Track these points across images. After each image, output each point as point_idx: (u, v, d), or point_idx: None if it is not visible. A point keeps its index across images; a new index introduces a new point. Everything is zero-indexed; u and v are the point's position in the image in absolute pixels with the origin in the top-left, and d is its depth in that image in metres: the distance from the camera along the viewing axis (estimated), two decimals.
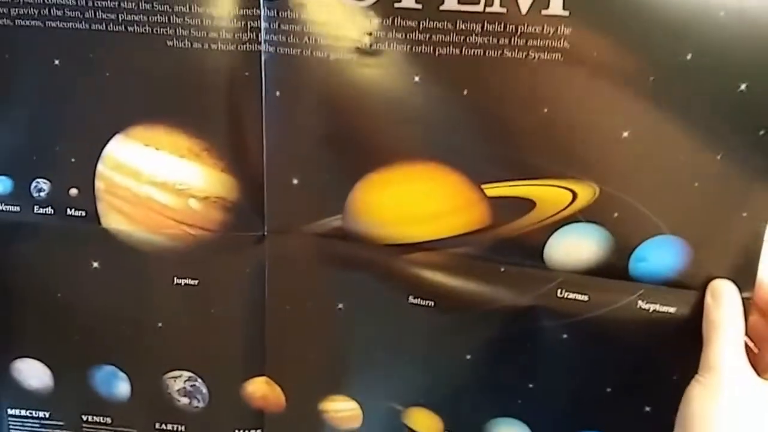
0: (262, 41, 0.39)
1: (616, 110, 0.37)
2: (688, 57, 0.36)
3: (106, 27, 0.40)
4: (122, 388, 0.49)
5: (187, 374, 0.49)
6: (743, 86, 0.36)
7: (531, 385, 0.45)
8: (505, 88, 0.38)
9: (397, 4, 0.37)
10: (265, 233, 0.44)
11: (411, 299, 0.44)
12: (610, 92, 0.37)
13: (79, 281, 0.46)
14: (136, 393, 0.49)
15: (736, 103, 0.36)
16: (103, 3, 0.39)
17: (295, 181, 0.42)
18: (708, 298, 0.39)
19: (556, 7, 0.36)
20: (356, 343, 0.47)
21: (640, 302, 0.41)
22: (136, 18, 0.39)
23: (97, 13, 0.39)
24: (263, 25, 0.39)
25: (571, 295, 0.41)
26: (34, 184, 0.43)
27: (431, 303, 0.44)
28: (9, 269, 0.46)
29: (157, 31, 0.39)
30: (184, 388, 0.49)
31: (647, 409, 0.43)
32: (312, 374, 0.48)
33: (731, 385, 0.37)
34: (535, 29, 0.36)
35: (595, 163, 0.38)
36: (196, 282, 0.46)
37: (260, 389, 0.49)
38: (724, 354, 0.37)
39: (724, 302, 0.38)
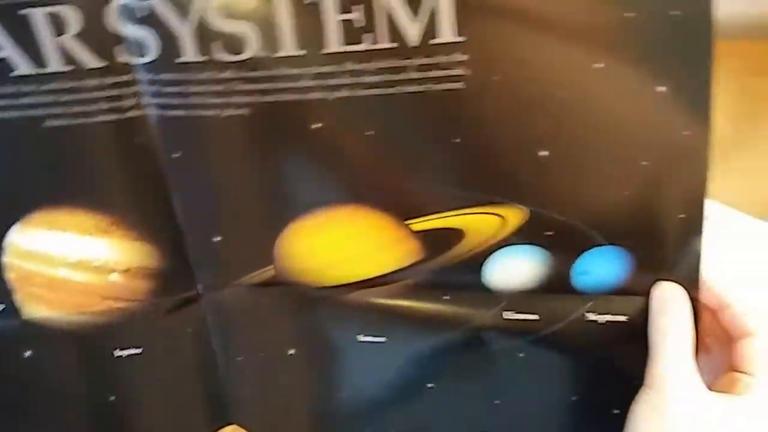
0: (146, 105, 0.36)
1: (530, 131, 0.35)
2: (601, 65, 0.33)
3: None
4: None
5: None
6: (661, 88, 0.33)
7: (497, 402, 0.43)
8: (410, 123, 0.35)
9: (275, 55, 0.34)
10: (199, 292, 0.42)
11: (361, 338, 0.42)
12: (520, 113, 0.34)
13: (15, 372, 0.44)
14: None
15: (655, 106, 0.33)
16: None
17: (217, 239, 0.40)
18: (651, 304, 0.37)
19: (447, 34, 0.33)
20: (313, 387, 0.45)
21: (590, 314, 0.39)
22: (3, 103, 0.36)
23: None
24: (143, 89, 0.36)
25: (520, 316, 0.40)
26: None
27: (383, 339, 0.42)
28: None
29: (30, 113, 0.36)
30: None
31: (616, 411, 0.42)
32: (278, 419, 0.47)
33: (678, 402, 0.34)
34: (429, 60, 0.33)
35: (517, 185, 0.36)
36: (140, 350, 0.44)
37: None
38: (670, 366, 0.35)
39: (668, 307, 0.36)
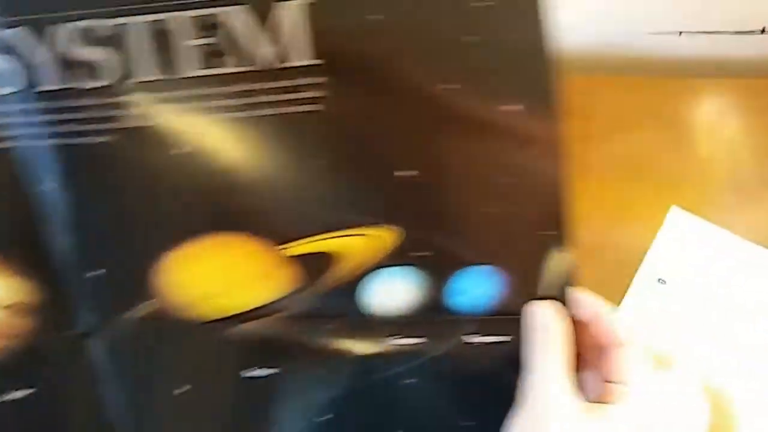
0: (11, 137, 0.36)
1: (394, 151, 0.35)
2: (454, 86, 0.33)
3: None
4: None
5: None
6: (515, 106, 0.34)
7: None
8: (273, 146, 0.35)
9: (134, 80, 0.34)
10: (84, 329, 0.41)
11: (254, 371, 0.41)
12: (381, 134, 0.35)
13: None
14: None
15: (509, 124, 0.34)
16: None
17: (96, 272, 0.39)
18: (523, 323, 0.37)
19: (304, 57, 0.33)
20: (208, 424, 0.44)
21: (473, 336, 0.39)
22: None
23: None
24: (6, 121, 0.36)
25: (403, 341, 0.39)
26: None
27: (276, 370, 0.41)
28: None
29: None
30: None
31: None
32: None
33: (550, 418, 0.34)
34: (286, 83, 0.34)
35: (387, 206, 0.36)
36: (32, 390, 0.43)
37: None
38: (541, 383, 0.35)
39: (539, 324, 0.36)
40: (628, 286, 0.63)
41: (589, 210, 0.63)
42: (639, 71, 0.74)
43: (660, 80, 0.70)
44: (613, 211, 0.66)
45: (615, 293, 0.63)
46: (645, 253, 0.64)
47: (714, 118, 0.69)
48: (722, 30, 0.70)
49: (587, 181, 0.66)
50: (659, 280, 0.63)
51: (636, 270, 0.63)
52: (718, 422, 0.57)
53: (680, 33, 0.71)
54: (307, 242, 0.37)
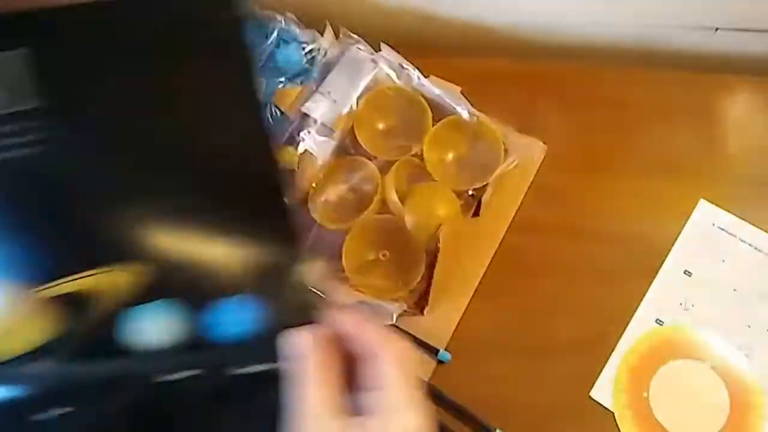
0: None
1: (125, 188, 0.36)
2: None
3: None
4: None
5: None
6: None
7: None
8: (8, 192, 0.37)
9: None
10: None
11: (43, 414, 0.42)
12: (111, 170, 0.36)
13: None
14: None
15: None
16: None
17: None
18: (282, 353, 0.37)
19: (26, 103, 0.35)
20: None
21: (242, 367, 0.39)
22: None
23: None
24: None
25: (174, 375, 0.40)
26: None
27: (70, 409, 0.42)
28: None
29: None
30: None
31: None
32: None
33: None
34: (9, 128, 0.35)
35: (130, 244, 0.37)
36: None
37: None
38: (301, 410, 0.35)
39: (294, 353, 0.36)
40: (654, 276, 0.64)
41: (618, 201, 0.66)
42: (674, 66, 0.75)
43: (694, 76, 0.72)
44: (642, 202, 0.66)
45: (641, 283, 0.63)
46: (672, 244, 0.65)
47: (745, 115, 0.70)
48: (759, 28, 0.71)
49: (617, 172, 0.68)
50: (685, 271, 0.64)
51: (663, 261, 0.64)
52: (742, 411, 0.58)
53: (716, 29, 0.72)
54: (61, 283, 0.38)
